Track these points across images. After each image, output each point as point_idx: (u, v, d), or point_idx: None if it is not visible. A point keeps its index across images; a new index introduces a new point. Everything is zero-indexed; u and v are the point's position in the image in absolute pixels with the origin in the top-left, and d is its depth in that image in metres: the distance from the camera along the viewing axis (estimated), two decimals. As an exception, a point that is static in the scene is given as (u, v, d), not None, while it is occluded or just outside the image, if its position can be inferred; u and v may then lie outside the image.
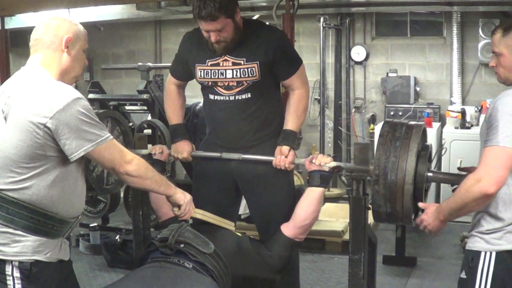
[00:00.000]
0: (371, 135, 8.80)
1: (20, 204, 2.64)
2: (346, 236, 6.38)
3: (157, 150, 3.93)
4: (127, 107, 7.09)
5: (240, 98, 3.78)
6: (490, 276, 2.77)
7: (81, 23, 2.91)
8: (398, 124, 3.21)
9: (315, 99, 9.16)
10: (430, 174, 3.20)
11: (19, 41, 8.76)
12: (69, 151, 2.61)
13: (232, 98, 3.78)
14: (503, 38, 2.87)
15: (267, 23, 8.25)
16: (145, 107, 6.78)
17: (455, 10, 8.19)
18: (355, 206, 3.34)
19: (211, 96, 3.87)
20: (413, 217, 3.16)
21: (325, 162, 3.53)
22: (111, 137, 2.74)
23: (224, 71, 3.72)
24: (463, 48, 8.47)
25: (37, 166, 2.62)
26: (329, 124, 9.21)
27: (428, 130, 7.70)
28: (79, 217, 2.92)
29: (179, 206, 3.28)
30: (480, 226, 2.83)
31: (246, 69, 3.70)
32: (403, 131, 3.12)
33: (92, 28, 8.77)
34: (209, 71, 3.76)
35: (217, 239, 3.32)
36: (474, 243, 2.84)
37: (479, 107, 7.96)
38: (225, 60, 3.71)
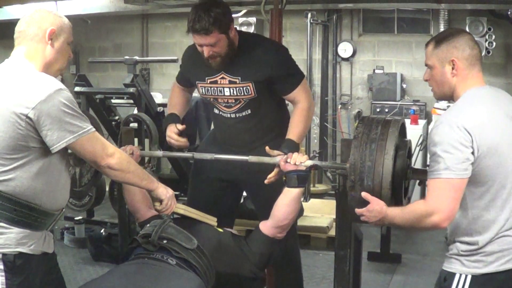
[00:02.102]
0: (357, 131, 8.80)
1: (3, 195, 2.62)
2: (331, 232, 6.42)
3: (127, 151, 3.70)
4: (113, 101, 7.06)
5: (240, 115, 3.87)
6: None
7: (68, 16, 2.90)
8: (373, 122, 3.07)
9: (302, 95, 9.15)
10: (410, 172, 3.12)
11: (6, 33, 8.62)
12: (51, 142, 2.60)
13: (233, 115, 3.88)
14: (434, 50, 2.80)
15: (255, 18, 8.23)
16: (132, 101, 6.75)
17: (442, 8, 8.19)
18: (341, 201, 3.33)
19: (215, 110, 3.98)
20: None
21: (301, 161, 3.42)
22: (93, 129, 2.72)
23: (222, 88, 3.78)
24: (450, 46, 8.48)
25: (20, 157, 2.61)
26: (315, 120, 9.20)
27: (414, 127, 7.78)
28: (63, 210, 2.91)
29: (160, 201, 3.26)
30: (455, 248, 2.73)
31: (241, 88, 3.75)
32: (379, 131, 2.99)
33: (79, 21, 8.73)
34: (209, 88, 3.83)
35: (200, 235, 3.30)
36: (450, 264, 2.74)
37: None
38: (223, 78, 3.76)
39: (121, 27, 10.31)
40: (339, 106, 9.31)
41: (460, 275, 2.69)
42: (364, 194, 2.92)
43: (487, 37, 8.10)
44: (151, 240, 3.18)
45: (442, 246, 6.35)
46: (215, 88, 3.80)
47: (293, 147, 3.69)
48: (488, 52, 8.12)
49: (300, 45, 9.26)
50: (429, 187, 2.64)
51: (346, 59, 9.18)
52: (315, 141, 9.21)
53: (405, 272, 5.81)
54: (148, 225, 3.37)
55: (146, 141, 6.15)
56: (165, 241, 3.17)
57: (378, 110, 8.65)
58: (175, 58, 7.17)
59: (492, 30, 8.10)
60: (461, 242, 2.71)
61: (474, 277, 2.66)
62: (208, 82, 3.81)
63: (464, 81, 2.76)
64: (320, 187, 8.84)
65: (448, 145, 2.57)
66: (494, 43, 8.10)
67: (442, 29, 8.36)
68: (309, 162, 3.42)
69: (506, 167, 2.64)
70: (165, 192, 3.24)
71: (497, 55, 8.39)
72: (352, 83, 9.27)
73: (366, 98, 9.17)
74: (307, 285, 5.25)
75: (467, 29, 8.08)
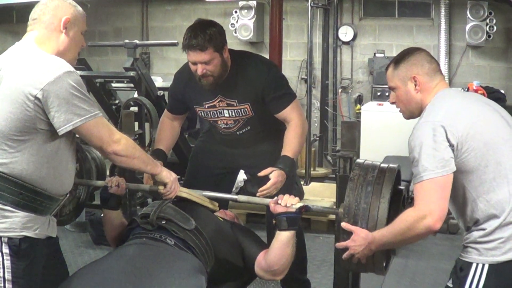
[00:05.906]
0: (358, 115, 8.82)
1: (9, 179, 2.63)
2: (332, 216, 6.41)
3: (113, 182, 3.48)
4: (113, 85, 7.05)
5: (240, 132, 3.99)
6: None
7: (68, 0, 2.90)
8: (369, 167, 3.03)
9: (302, 78, 9.15)
10: None
11: (5, 18, 8.66)
12: (58, 124, 2.60)
13: (233, 133, 3.99)
14: (395, 72, 2.88)
15: (255, 2, 8.19)
16: (132, 85, 6.74)
17: (443, -9, 8.20)
18: (342, 184, 3.33)
19: (214, 129, 4.11)
20: (384, 264, 3.02)
21: (292, 203, 3.26)
22: (100, 114, 2.73)
23: (222, 110, 3.88)
24: (450, 30, 8.47)
25: (27, 139, 2.62)
26: (316, 103, 9.21)
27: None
28: (67, 195, 2.93)
29: (164, 185, 3.29)
30: (472, 236, 2.69)
31: (239, 110, 3.85)
32: (375, 175, 2.95)
33: (78, 4, 8.71)
34: (208, 112, 3.92)
35: (199, 217, 3.29)
36: (466, 254, 2.69)
37: (466, 89, 7.97)
38: (221, 101, 3.84)
39: (121, 11, 10.27)
40: (340, 90, 9.29)
41: (477, 264, 2.64)
42: (344, 225, 2.89)
43: (488, 21, 8.07)
44: (150, 220, 3.19)
45: (441, 229, 6.36)
46: (215, 111, 3.90)
47: (289, 163, 3.74)
48: (489, 37, 8.10)
49: (301, 28, 9.25)
50: (415, 193, 2.65)
51: (347, 43, 9.16)
52: (316, 125, 9.22)
53: (405, 255, 5.82)
54: (147, 205, 3.39)
55: (147, 124, 6.17)
56: (163, 222, 3.18)
57: (378, 94, 8.64)
58: (175, 41, 7.15)
59: (493, 14, 8.07)
60: (479, 230, 2.67)
61: (492, 266, 2.62)
62: (206, 107, 3.89)
63: (429, 93, 2.83)
64: (320, 171, 8.85)
65: (425, 146, 2.61)
66: (495, 27, 8.07)
67: (443, 13, 8.36)
68: (300, 204, 3.28)
69: (493, 143, 2.65)
70: (169, 175, 3.28)
71: (498, 39, 8.35)
72: (352, 67, 9.24)
73: (367, 82, 9.16)
74: (308, 268, 5.26)
75: (468, 13, 8.09)
